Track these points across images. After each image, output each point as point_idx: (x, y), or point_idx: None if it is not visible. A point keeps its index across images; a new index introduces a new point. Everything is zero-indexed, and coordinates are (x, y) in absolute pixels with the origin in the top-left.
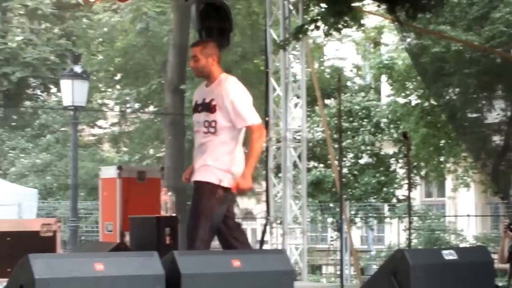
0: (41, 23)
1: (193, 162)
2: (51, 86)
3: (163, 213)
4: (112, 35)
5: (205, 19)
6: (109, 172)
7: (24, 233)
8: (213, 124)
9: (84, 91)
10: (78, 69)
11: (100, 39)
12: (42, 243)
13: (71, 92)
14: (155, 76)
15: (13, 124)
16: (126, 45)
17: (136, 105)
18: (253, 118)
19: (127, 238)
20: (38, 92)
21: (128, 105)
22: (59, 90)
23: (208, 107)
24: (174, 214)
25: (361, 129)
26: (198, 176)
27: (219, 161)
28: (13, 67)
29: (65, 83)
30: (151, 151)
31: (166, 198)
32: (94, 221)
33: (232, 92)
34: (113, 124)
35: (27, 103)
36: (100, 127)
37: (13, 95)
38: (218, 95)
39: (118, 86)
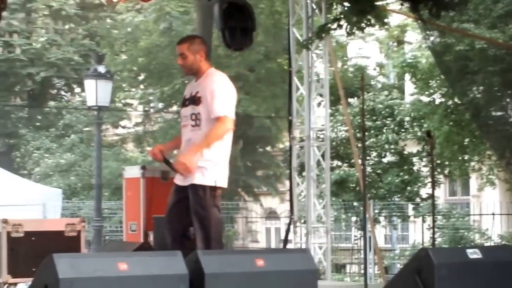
0: (65, 23)
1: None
2: (75, 86)
3: None
4: (135, 35)
5: (228, 18)
6: (132, 171)
7: (48, 233)
8: (198, 116)
9: (108, 91)
10: (101, 69)
11: (124, 39)
12: (66, 243)
13: (94, 92)
14: (178, 76)
15: (38, 124)
16: (150, 45)
17: (160, 105)
18: (224, 111)
19: (151, 238)
20: (62, 92)
21: (151, 105)
22: (83, 90)
23: (194, 100)
24: None
25: (385, 128)
26: (194, 179)
27: (210, 161)
28: (37, 67)
29: (89, 83)
30: (175, 151)
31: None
32: (118, 221)
33: (214, 84)
34: (137, 124)
35: (51, 103)
36: (124, 127)
37: (38, 95)
38: (203, 87)
39: (141, 86)
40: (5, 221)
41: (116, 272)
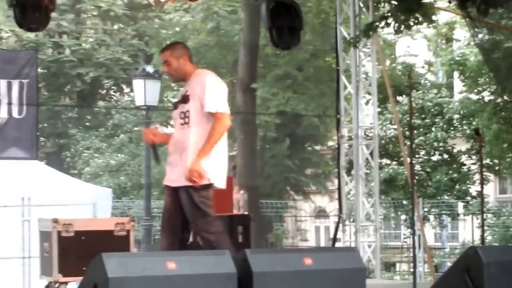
0: (114, 24)
1: (171, 157)
2: (124, 86)
3: (235, 211)
4: (183, 35)
5: (275, 17)
6: None
7: (98, 232)
8: (187, 114)
9: (156, 91)
10: (150, 68)
11: (172, 39)
12: (116, 242)
13: (143, 91)
14: (226, 75)
15: (87, 124)
16: (198, 44)
17: None
18: (219, 106)
19: None
20: (111, 92)
21: None
22: (132, 90)
23: (184, 98)
24: (246, 213)
25: (434, 126)
26: (184, 181)
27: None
28: (86, 67)
29: (137, 83)
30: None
31: (238, 196)
32: None
33: (206, 80)
34: None
35: (101, 103)
36: (173, 126)
37: (87, 95)
38: (192, 86)
39: None
40: (55, 221)
41: (165, 271)
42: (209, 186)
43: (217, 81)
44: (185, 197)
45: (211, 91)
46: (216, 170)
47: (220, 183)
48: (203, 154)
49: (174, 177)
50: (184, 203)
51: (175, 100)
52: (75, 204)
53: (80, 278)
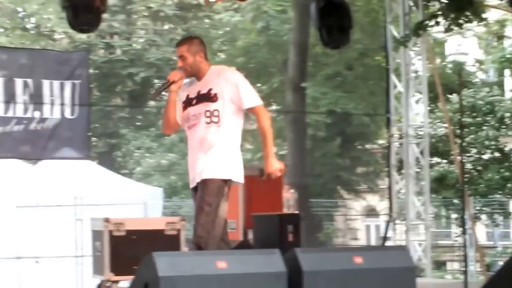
0: (164, 24)
1: (192, 156)
2: None
3: (285, 210)
4: (233, 34)
5: (325, 17)
6: None
7: (149, 232)
8: (215, 113)
9: None
10: None
11: (222, 39)
12: (167, 241)
13: None
14: (276, 75)
15: (138, 124)
16: (248, 44)
17: None
18: (258, 99)
19: (250, 236)
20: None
21: None
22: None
23: (208, 97)
24: (296, 212)
25: (485, 124)
26: (204, 175)
27: (222, 154)
28: (137, 67)
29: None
30: (274, 149)
31: (288, 195)
32: None
33: (233, 76)
34: None
35: (151, 103)
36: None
37: (138, 95)
38: (217, 84)
39: None
40: (107, 220)
41: (215, 270)
42: (229, 181)
43: (242, 77)
44: (201, 189)
45: (245, 87)
46: (236, 165)
47: (240, 178)
48: (271, 151)
49: (198, 170)
50: (198, 195)
51: (187, 96)
52: (126, 204)
53: (131, 277)
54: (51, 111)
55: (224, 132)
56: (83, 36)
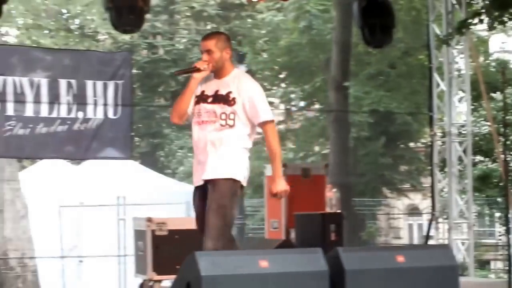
0: (207, 24)
1: (201, 156)
2: None
3: (327, 209)
4: (276, 34)
5: (367, 16)
6: None
7: (191, 231)
8: (231, 116)
9: None
10: (242, 68)
11: (265, 38)
12: None
13: None
14: (319, 74)
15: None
16: (290, 44)
17: (301, 103)
18: (271, 113)
19: (293, 235)
20: None
21: (293, 103)
22: None
23: (226, 99)
24: (339, 211)
25: None
26: (215, 174)
27: (238, 158)
28: (180, 67)
29: None
30: (316, 148)
31: (331, 194)
32: (260, 219)
33: (252, 88)
34: (279, 122)
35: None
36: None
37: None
38: (236, 89)
39: (282, 84)
40: (149, 220)
41: (257, 269)
42: (238, 182)
43: (260, 89)
44: (212, 190)
45: (263, 100)
46: (245, 169)
47: (245, 182)
48: (280, 171)
49: (210, 170)
50: (210, 195)
51: (202, 91)
52: (168, 203)
53: (173, 277)
54: (94, 112)
55: (238, 135)
56: (126, 37)
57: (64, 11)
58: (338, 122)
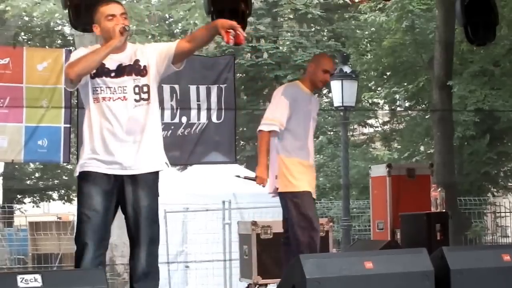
0: (310, 26)
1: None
2: (323, 88)
3: (433, 209)
4: (379, 34)
5: (470, 13)
6: (378, 170)
7: None
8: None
9: (353, 91)
10: (347, 69)
11: (368, 39)
12: None
13: (340, 92)
14: (422, 73)
15: None
16: (393, 44)
17: (406, 103)
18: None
19: (398, 236)
20: None
21: (397, 103)
22: (330, 91)
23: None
24: (444, 210)
25: None
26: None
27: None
28: (284, 70)
29: (334, 84)
30: (422, 148)
31: (436, 194)
32: (366, 220)
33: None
34: (383, 123)
35: None
36: (371, 126)
37: None
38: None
39: (386, 85)
40: (254, 223)
41: (362, 271)
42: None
43: None
44: None
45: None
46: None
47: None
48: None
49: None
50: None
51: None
52: (274, 207)
53: (278, 280)
54: (198, 116)
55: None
56: None
57: (167, 16)
58: (443, 122)
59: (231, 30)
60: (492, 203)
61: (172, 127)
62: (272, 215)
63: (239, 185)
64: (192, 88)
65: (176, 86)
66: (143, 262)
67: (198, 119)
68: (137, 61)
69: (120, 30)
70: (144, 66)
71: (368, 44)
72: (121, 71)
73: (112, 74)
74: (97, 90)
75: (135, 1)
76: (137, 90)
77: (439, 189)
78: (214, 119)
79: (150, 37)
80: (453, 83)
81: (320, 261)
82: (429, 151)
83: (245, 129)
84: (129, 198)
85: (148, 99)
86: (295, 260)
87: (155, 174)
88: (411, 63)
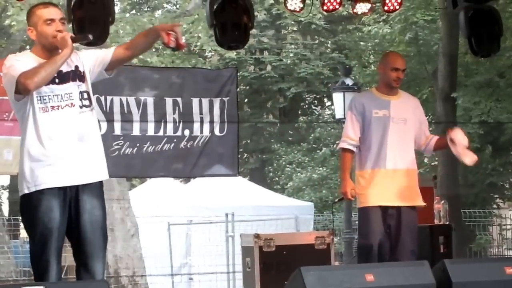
0: (314, 38)
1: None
2: (326, 100)
3: (436, 221)
4: (383, 46)
5: (474, 25)
6: None
7: (299, 247)
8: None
9: None
10: (349, 81)
11: (372, 51)
12: (317, 255)
13: (342, 104)
14: (426, 85)
15: (290, 139)
16: None
17: None
18: None
19: None
20: (312, 106)
21: None
22: (332, 103)
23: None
24: (447, 223)
25: None
26: None
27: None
28: (287, 83)
29: (337, 96)
30: (425, 160)
31: (439, 206)
32: None
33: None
34: None
35: (302, 118)
36: None
37: (289, 110)
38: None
39: None
40: (257, 236)
41: (363, 283)
42: None
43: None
44: None
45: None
46: None
47: None
48: None
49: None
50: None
51: None
52: (277, 219)
53: None
54: (200, 129)
55: None
56: (233, 53)
57: None
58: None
59: (172, 32)
60: (498, 215)
61: (175, 140)
62: (275, 227)
63: (243, 198)
64: (195, 101)
65: (179, 99)
66: None
67: (201, 132)
68: (76, 67)
69: (72, 39)
70: (83, 72)
71: (372, 56)
72: (64, 77)
73: (57, 81)
74: (44, 99)
75: (138, 14)
76: (80, 96)
77: (442, 201)
78: (217, 132)
79: (154, 50)
80: (457, 95)
81: (321, 274)
82: (433, 163)
83: (248, 141)
84: (83, 208)
85: (90, 105)
86: (296, 272)
87: (101, 182)
88: (414, 74)
